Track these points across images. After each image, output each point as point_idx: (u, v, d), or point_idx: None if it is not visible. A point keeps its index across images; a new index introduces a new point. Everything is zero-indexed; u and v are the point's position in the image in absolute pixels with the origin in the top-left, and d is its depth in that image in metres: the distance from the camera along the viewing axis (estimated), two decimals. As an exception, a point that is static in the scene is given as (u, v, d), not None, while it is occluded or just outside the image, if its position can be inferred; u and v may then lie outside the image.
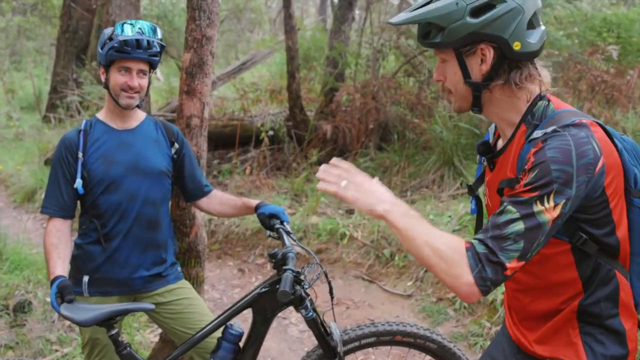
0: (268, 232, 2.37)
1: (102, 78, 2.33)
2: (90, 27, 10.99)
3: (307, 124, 7.20)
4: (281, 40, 9.88)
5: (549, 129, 1.33)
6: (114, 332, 2.09)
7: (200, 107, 2.92)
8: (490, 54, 1.38)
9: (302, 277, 2.12)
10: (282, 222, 2.32)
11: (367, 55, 7.44)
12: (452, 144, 5.76)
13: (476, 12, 1.35)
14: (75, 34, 11.06)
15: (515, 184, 1.38)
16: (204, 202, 2.61)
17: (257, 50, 9.91)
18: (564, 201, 1.27)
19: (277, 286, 1.97)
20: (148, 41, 2.23)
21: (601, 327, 1.41)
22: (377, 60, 6.92)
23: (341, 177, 1.45)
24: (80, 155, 2.30)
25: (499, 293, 3.65)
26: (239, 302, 2.20)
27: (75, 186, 2.28)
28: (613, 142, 1.38)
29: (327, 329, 2.23)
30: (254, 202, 2.48)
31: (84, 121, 2.40)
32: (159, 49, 2.28)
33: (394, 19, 1.47)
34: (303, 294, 2.10)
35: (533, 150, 1.33)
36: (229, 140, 7.23)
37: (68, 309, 2.04)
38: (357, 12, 8.93)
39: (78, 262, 2.36)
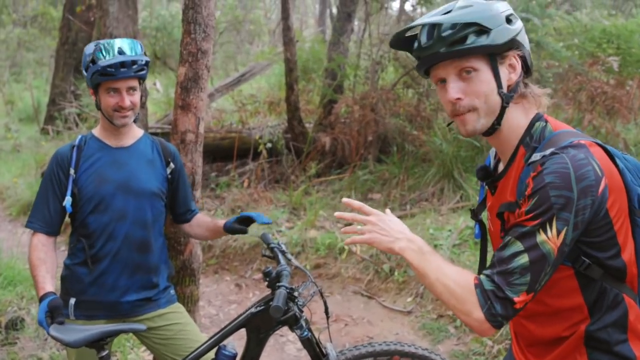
0: (263, 251, 2.32)
1: (93, 99, 2.28)
2: (89, 39, 10.96)
3: (305, 136, 7.15)
4: (280, 52, 9.86)
5: (547, 152, 1.31)
6: (104, 353, 2.02)
7: (196, 122, 2.86)
8: (519, 63, 1.38)
9: (296, 293, 2.08)
10: (264, 224, 2.37)
11: (366, 67, 7.41)
12: (451, 156, 5.70)
13: (509, 20, 1.37)
14: (74, 46, 11.04)
15: (516, 207, 1.35)
16: (186, 226, 2.58)
17: (256, 62, 9.88)
18: (566, 228, 1.25)
19: (270, 303, 1.94)
20: (132, 60, 2.17)
21: (610, 354, 1.36)
22: (376, 72, 6.88)
23: (355, 218, 1.51)
24: (72, 172, 2.24)
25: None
26: (232, 322, 2.15)
27: (64, 204, 2.22)
28: (614, 161, 1.34)
29: (323, 349, 2.18)
30: (221, 222, 2.47)
31: (79, 137, 2.34)
32: (144, 63, 2.23)
33: (433, 18, 1.38)
34: (297, 311, 2.06)
35: (532, 174, 1.30)
36: (227, 152, 7.18)
37: (57, 330, 1.99)
38: (355, 23, 8.91)
39: (66, 283, 2.30)
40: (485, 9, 1.35)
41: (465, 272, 1.37)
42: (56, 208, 2.24)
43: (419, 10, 9.15)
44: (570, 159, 1.26)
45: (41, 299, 2.07)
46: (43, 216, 2.24)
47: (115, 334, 2.05)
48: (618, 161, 1.35)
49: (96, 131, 2.36)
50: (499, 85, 1.37)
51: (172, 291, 2.49)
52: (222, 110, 8.92)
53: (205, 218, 2.60)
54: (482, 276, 1.32)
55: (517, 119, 1.41)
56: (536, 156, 1.33)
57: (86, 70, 2.20)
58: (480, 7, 1.36)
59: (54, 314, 2.02)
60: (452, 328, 3.85)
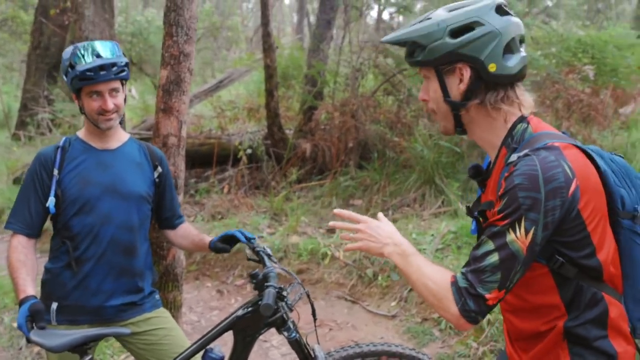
0: (248, 255, 2.29)
1: (77, 103, 2.22)
2: (63, 43, 10.80)
3: (285, 142, 7.12)
4: (259, 59, 9.84)
5: (522, 153, 1.36)
6: (87, 358, 1.96)
7: (178, 125, 2.83)
8: (467, 73, 1.43)
9: (284, 293, 2.05)
10: (249, 240, 2.28)
11: (346, 74, 7.43)
12: (432, 162, 5.74)
13: (455, 33, 1.42)
14: (46, 50, 10.86)
15: (493, 207, 1.40)
16: (170, 232, 2.51)
17: (235, 69, 9.84)
18: (534, 228, 1.29)
19: (259, 302, 1.93)
20: (111, 62, 2.11)
21: (590, 349, 1.38)
22: (357, 79, 6.90)
23: (347, 227, 1.59)
24: (55, 172, 2.17)
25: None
26: (218, 325, 2.10)
27: (47, 205, 2.15)
28: (595, 163, 1.38)
29: (311, 351, 2.15)
30: (208, 238, 2.41)
31: (64, 138, 2.28)
32: (124, 64, 2.16)
33: (386, 38, 1.56)
34: (286, 311, 2.04)
35: (506, 174, 1.35)
36: (206, 158, 7.10)
37: (38, 334, 1.91)
38: (334, 31, 8.95)
39: (47, 287, 2.22)
40: (425, 26, 1.45)
41: (443, 271, 1.43)
42: (38, 209, 2.17)
43: (396, 20, 9.25)
44: (540, 161, 1.31)
45: (21, 303, 1.98)
46: (24, 217, 2.16)
47: (98, 338, 1.99)
48: (601, 162, 1.38)
49: (81, 133, 2.30)
50: (445, 94, 1.47)
51: (157, 296, 2.43)
52: (200, 116, 8.84)
53: (191, 230, 2.53)
54: (458, 274, 1.38)
55: (492, 123, 1.47)
56: (513, 157, 1.38)
57: (65, 75, 2.15)
58: (423, 24, 1.46)
59: (35, 318, 1.94)
60: (436, 331, 3.84)
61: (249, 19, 26.41)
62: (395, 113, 6.68)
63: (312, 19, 21.19)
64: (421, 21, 1.48)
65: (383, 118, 6.68)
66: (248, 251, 2.30)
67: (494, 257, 1.31)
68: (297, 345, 2.11)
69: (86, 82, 2.09)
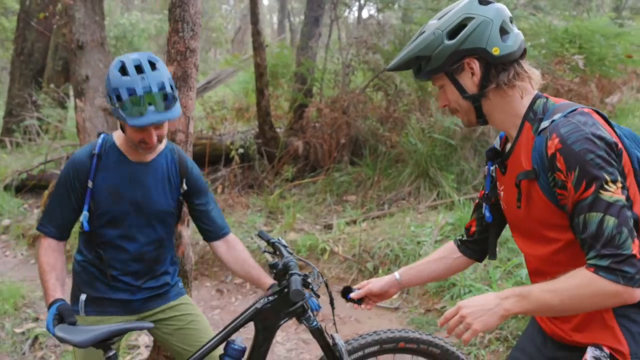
0: (263, 248, 2.31)
1: (119, 124, 2.15)
2: (47, 49, 10.68)
3: (277, 141, 7.13)
4: (246, 59, 9.83)
5: (556, 117, 1.43)
6: (111, 353, 1.97)
7: (185, 121, 2.82)
8: (476, 65, 1.52)
9: (309, 280, 2.07)
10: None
11: (335, 71, 7.45)
12: (426, 155, 5.78)
13: (452, 34, 1.52)
14: (30, 56, 10.71)
15: (533, 176, 1.47)
16: (221, 247, 2.37)
17: (222, 69, 9.81)
18: (616, 175, 1.35)
19: (286, 290, 1.96)
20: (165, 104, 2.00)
21: (635, 307, 1.43)
22: (347, 75, 6.93)
23: (451, 321, 1.51)
24: (90, 184, 2.14)
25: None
26: (239, 316, 2.12)
27: (80, 219, 2.16)
28: (612, 128, 1.47)
29: (330, 339, 2.17)
30: (269, 281, 2.26)
31: (100, 141, 2.19)
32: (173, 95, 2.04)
33: (390, 66, 1.66)
34: (314, 296, 2.07)
35: (552, 145, 1.40)
36: (198, 159, 7.00)
37: (63, 330, 1.93)
38: (321, 28, 8.96)
39: (77, 278, 2.26)
40: (423, 39, 1.55)
41: (567, 277, 1.39)
42: (69, 216, 2.18)
43: (380, 16, 9.28)
44: (583, 124, 1.39)
45: (50, 305, 2.02)
46: (56, 221, 2.17)
47: (123, 332, 1.99)
48: (615, 128, 1.48)
49: (118, 139, 2.21)
50: (463, 92, 1.57)
51: (181, 284, 2.46)
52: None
53: (249, 257, 2.39)
54: (590, 261, 1.35)
55: (510, 102, 1.55)
56: (545, 124, 1.45)
57: (111, 104, 2.02)
58: (420, 38, 1.56)
59: (63, 315, 1.98)
60: (440, 322, 3.88)
61: (229, 21, 26.28)
62: (386, 108, 6.72)
63: (293, 19, 21.21)
64: (416, 38, 1.58)
65: (374, 113, 6.71)
66: (263, 245, 2.31)
67: (610, 220, 1.33)
68: (319, 333, 2.13)
69: (135, 126, 2.00)
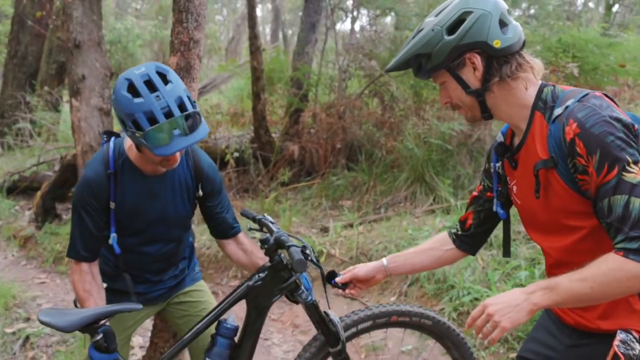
0: (248, 226, 2.22)
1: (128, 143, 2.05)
2: (40, 52, 10.63)
3: (272, 145, 7.11)
4: (241, 64, 9.83)
5: (569, 102, 1.42)
6: (98, 337, 1.90)
7: (187, 113, 2.80)
8: (478, 59, 1.51)
9: (307, 251, 1.99)
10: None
11: (331, 76, 7.47)
12: (422, 160, 5.78)
13: (451, 29, 1.50)
14: (24, 59, 10.65)
15: (551, 164, 1.44)
16: (230, 245, 2.32)
17: (218, 74, 9.81)
18: (639, 158, 1.34)
19: (286, 262, 1.97)
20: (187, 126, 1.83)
21: None
22: (344, 80, 6.95)
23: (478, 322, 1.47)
24: (112, 205, 2.05)
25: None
26: (231, 294, 2.08)
27: (110, 242, 2.09)
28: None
29: (326, 316, 2.15)
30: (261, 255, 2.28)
31: (110, 156, 2.04)
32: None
33: (389, 67, 1.64)
34: (316, 267, 2.01)
35: (570, 130, 1.38)
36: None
37: (47, 315, 1.85)
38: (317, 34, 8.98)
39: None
40: (422, 36, 1.53)
41: (599, 260, 1.36)
42: (97, 237, 2.09)
43: (374, 27, 9.34)
44: (599, 107, 1.38)
45: None
46: (85, 246, 2.09)
47: (109, 314, 1.94)
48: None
49: (130, 152, 2.08)
50: (465, 87, 1.55)
51: (197, 268, 2.46)
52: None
53: (256, 248, 2.32)
54: (619, 245, 1.33)
55: (515, 93, 1.53)
56: (558, 111, 1.44)
57: (126, 129, 1.87)
58: (419, 36, 1.54)
59: (106, 340, 1.92)
60: (439, 323, 3.86)
61: (222, 32, 26.35)
62: (382, 113, 6.73)
63: (286, 30, 21.31)
64: (414, 36, 1.56)
65: (370, 119, 6.72)
66: (249, 224, 2.22)
67: (637, 202, 1.30)
68: (314, 308, 2.11)
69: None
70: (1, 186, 7.36)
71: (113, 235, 2.07)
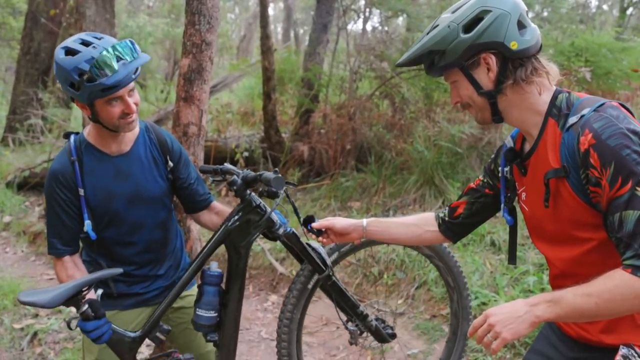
0: (211, 178, 2.23)
1: (86, 113, 2.02)
2: (53, 49, 10.69)
3: (282, 145, 7.12)
4: (253, 64, 9.85)
5: (585, 111, 1.38)
6: (84, 308, 1.89)
7: (198, 114, 2.82)
8: (492, 60, 1.47)
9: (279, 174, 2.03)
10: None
11: (342, 77, 7.46)
12: (432, 162, 5.76)
13: (468, 28, 1.46)
14: (37, 56, 10.73)
15: (562, 173, 1.41)
16: (204, 215, 2.37)
17: (229, 73, 9.83)
18: None
19: (253, 201, 2.02)
20: (135, 67, 1.92)
21: None
22: (355, 82, 6.94)
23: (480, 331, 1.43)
24: (81, 192, 2.05)
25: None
26: (210, 240, 2.07)
27: (85, 229, 2.08)
28: None
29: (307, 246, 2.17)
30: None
31: (72, 146, 2.08)
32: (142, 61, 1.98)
33: (401, 61, 1.60)
34: (290, 201, 2.11)
35: (585, 141, 1.34)
36: (203, 161, 7.05)
37: (28, 295, 1.82)
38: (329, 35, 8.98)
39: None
40: (437, 32, 1.49)
41: (605, 276, 1.33)
42: (72, 227, 2.09)
43: (385, 28, 9.32)
44: (615, 118, 1.35)
45: None
46: (61, 238, 2.09)
47: (90, 283, 1.91)
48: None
49: (90, 137, 2.11)
50: (478, 88, 1.51)
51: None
52: (194, 121, 8.79)
53: (227, 208, 2.35)
54: (627, 262, 1.30)
55: (528, 98, 1.49)
56: (573, 119, 1.40)
57: (77, 89, 1.89)
58: (434, 32, 1.50)
59: (94, 309, 1.93)
60: (446, 327, 3.84)
61: (233, 30, 26.40)
62: (392, 115, 6.72)
63: (298, 29, 21.32)
64: (429, 32, 1.53)
65: (381, 120, 6.71)
66: (213, 178, 2.23)
67: None
68: (295, 238, 2.12)
69: (109, 92, 1.90)
70: (12, 182, 7.42)
71: (87, 222, 2.06)
